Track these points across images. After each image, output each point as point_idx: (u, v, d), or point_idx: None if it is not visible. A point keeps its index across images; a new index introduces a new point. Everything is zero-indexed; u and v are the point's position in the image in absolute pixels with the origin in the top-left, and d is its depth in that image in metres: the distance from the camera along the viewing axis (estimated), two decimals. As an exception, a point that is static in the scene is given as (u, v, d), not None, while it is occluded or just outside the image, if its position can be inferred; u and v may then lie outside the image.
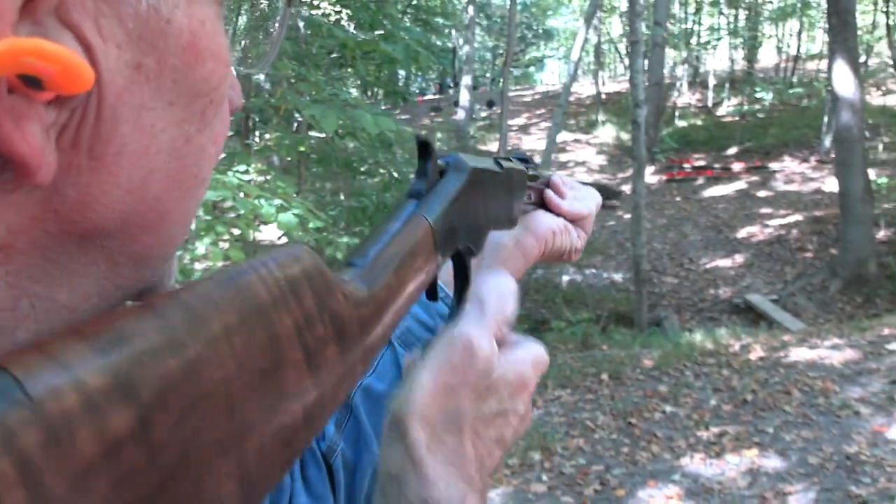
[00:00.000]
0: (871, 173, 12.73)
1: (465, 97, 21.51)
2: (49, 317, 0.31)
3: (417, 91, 30.41)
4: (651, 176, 17.64)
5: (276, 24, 0.41)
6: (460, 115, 21.92)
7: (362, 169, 8.49)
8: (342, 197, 8.44)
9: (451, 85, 31.84)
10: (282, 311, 0.33)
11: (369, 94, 23.68)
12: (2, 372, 0.23)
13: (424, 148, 0.51)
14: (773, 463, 4.45)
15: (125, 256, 0.33)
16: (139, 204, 0.33)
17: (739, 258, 13.62)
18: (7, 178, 0.28)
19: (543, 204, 0.78)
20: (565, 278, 13.21)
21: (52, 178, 0.28)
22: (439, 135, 21.51)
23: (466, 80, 21.40)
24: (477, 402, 0.47)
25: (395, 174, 8.90)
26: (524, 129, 23.32)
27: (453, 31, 28.68)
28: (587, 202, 0.80)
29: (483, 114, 25.52)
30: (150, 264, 0.35)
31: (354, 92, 13.89)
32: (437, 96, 30.76)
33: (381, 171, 8.75)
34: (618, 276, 13.33)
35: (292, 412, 0.34)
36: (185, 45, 0.32)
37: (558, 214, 0.77)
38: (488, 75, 39.62)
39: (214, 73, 0.35)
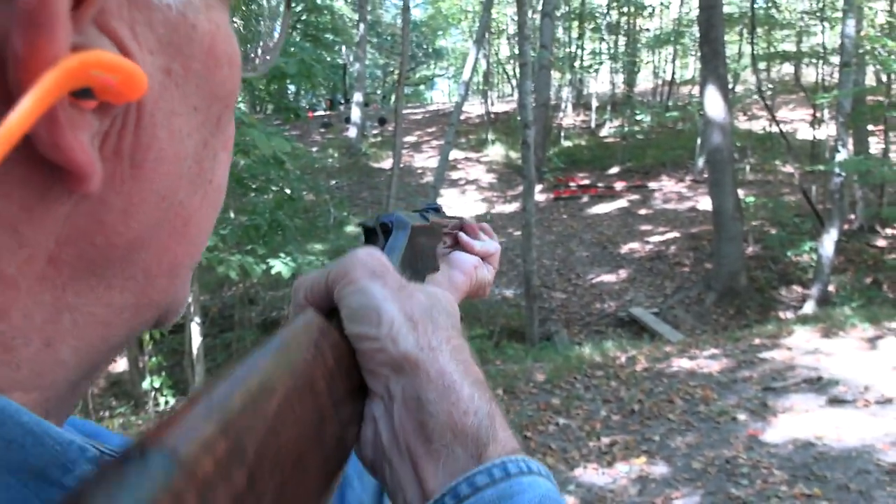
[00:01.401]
0: (740, 193, 13.63)
1: (356, 114, 21.43)
2: (87, 332, 0.31)
3: (307, 106, 30.07)
4: (539, 194, 18.16)
5: (274, 25, 0.43)
6: (352, 131, 21.82)
7: (254, 186, 8.29)
8: (232, 214, 8.20)
9: (342, 101, 31.66)
10: (316, 371, 0.38)
11: (258, 108, 23.21)
12: (157, 450, 0.27)
13: (371, 230, 0.62)
14: (660, 469, 4.66)
15: (159, 267, 0.34)
16: (170, 210, 0.33)
17: (623, 273, 14.21)
18: (58, 190, 0.28)
19: (457, 245, 0.86)
20: (458, 294, 13.32)
21: (99, 188, 0.28)
22: (330, 150, 21.34)
23: (358, 96, 21.34)
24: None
25: (288, 191, 8.75)
26: (416, 146, 23.48)
27: (343, 48, 28.58)
28: (493, 241, 0.88)
29: (374, 131, 25.49)
30: (180, 274, 0.36)
31: (243, 107, 13.58)
32: (327, 112, 30.49)
33: (274, 188, 8.58)
34: (509, 292, 13.60)
35: (332, 454, 0.38)
36: (207, 49, 0.33)
37: (472, 253, 0.84)
38: (379, 92, 39.72)
39: (230, 77, 0.35)
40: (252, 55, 0.41)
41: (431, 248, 0.72)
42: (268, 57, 0.44)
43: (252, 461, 0.30)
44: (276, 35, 0.45)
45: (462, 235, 0.86)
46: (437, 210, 0.81)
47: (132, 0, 0.29)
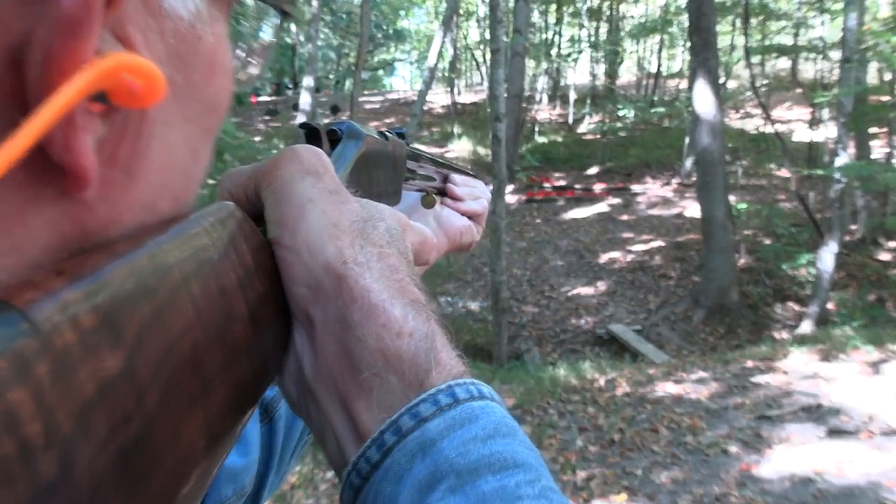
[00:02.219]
0: (732, 198, 13.79)
1: (305, 100, 21.24)
2: None
3: (250, 91, 29.84)
4: (510, 195, 18.19)
5: (259, 26, 0.44)
6: (300, 120, 21.62)
7: (186, 179, 8.19)
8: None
9: (290, 86, 31.46)
10: (227, 265, 0.37)
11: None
12: (5, 305, 0.26)
13: (314, 135, 0.58)
14: (642, 508, 4.63)
15: None
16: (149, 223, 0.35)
17: (602, 285, 14.28)
18: (50, 193, 0.29)
19: (444, 193, 0.91)
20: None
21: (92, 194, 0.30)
22: (276, 141, 21.16)
23: (308, 81, 21.14)
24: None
25: (225, 186, 8.62)
26: (372, 139, 23.40)
27: (293, 27, 28.37)
28: (482, 200, 0.93)
29: (326, 120, 25.27)
30: None
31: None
32: (273, 98, 30.28)
33: (210, 180, 8.46)
34: (475, 305, 13.57)
35: (243, 368, 0.38)
36: (207, 62, 0.36)
37: (461, 212, 0.90)
38: (332, 77, 39.53)
39: (224, 88, 0.38)
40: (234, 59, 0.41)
41: (390, 172, 0.70)
42: (256, 66, 0.45)
43: (131, 346, 0.29)
44: (262, 37, 0.45)
45: (452, 187, 0.90)
46: (402, 136, 0.78)
47: (148, 7, 0.31)
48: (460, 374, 0.41)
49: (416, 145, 0.84)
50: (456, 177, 0.92)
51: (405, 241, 0.47)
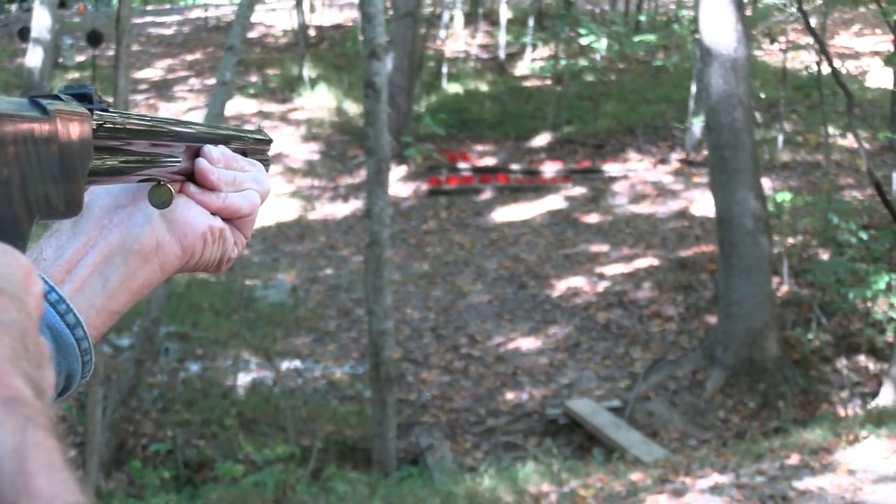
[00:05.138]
0: (767, 185, 14.08)
1: (41, 22, 20.95)
2: None
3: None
4: (400, 184, 18.15)
5: None
6: (32, 55, 21.29)
7: None
8: None
9: (17, -2, 30.96)
10: None
11: None
12: None
13: None
14: None
15: None
16: None
17: (556, 333, 14.44)
18: None
19: (190, 176, 0.94)
20: (245, 378, 13.12)
21: None
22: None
23: (46, -11, 20.91)
24: None
25: None
26: (164, 86, 23.18)
27: None
28: (250, 192, 1.00)
29: (80, 57, 24.98)
30: None
31: None
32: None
33: None
34: (342, 373, 13.51)
35: None
36: None
37: (209, 208, 0.95)
38: (92, -18, 39.05)
39: None
40: None
41: (56, 166, 0.71)
42: None
43: None
44: None
45: (203, 168, 0.94)
46: (87, 99, 0.80)
47: None
48: None
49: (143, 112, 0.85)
50: (213, 151, 0.96)
51: (24, 298, 0.49)
